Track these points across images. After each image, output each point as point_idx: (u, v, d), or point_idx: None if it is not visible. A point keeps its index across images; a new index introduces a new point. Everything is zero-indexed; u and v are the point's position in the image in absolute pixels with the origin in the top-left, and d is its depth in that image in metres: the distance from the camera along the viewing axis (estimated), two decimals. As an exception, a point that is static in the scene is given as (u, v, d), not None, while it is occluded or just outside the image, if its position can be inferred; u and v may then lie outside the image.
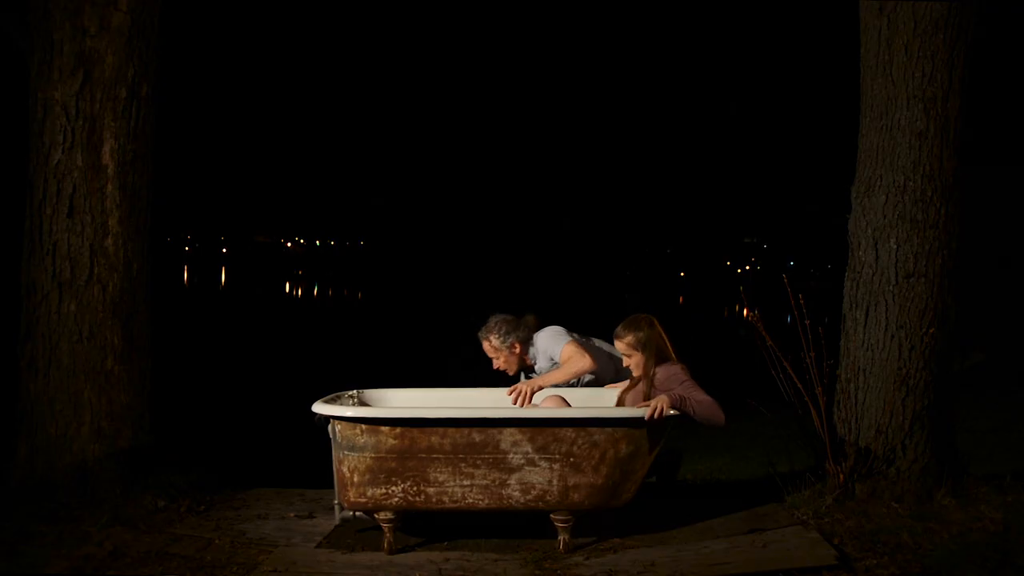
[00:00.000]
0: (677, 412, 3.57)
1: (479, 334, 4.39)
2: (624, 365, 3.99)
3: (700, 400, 3.63)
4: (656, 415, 3.50)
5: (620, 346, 3.92)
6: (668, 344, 3.89)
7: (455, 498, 3.52)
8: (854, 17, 4.35)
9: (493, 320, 4.38)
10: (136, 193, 4.25)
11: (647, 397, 3.74)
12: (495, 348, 4.37)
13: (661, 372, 3.82)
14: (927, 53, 4.05)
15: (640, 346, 3.86)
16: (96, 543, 3.51)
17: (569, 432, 3.50)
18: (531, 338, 4.37)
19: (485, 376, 4.63)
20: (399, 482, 3.50)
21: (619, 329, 3.92)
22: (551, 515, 3.58)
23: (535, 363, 4.42)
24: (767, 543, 3.56)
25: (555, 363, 4.29)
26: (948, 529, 3.63)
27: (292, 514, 4.06)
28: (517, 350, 4.36)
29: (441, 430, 3.47)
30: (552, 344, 4.31)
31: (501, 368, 4.43)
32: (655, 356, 3.85)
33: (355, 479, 3.51)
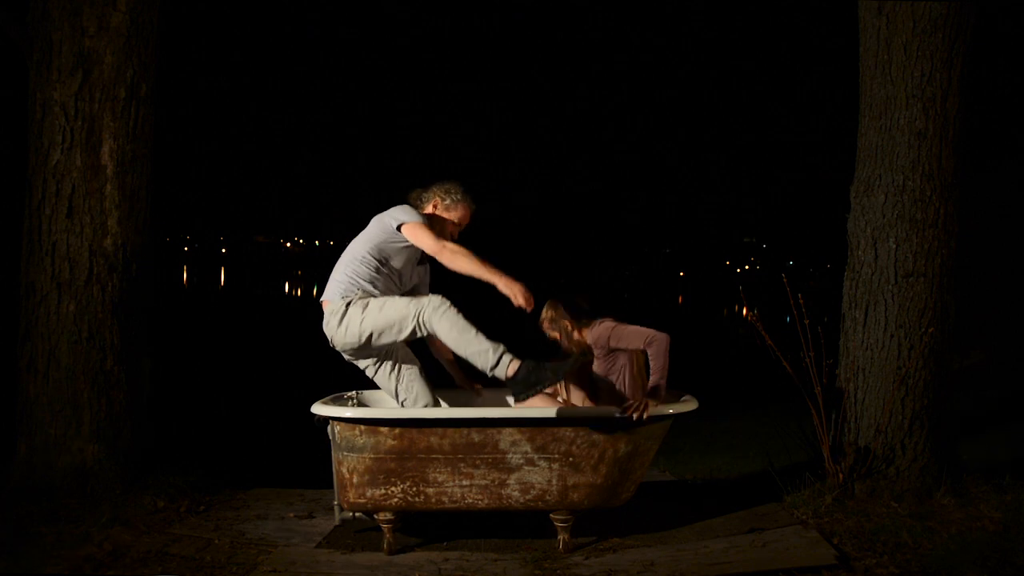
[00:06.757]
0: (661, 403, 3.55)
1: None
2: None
3: (660, 362, 3.62)
4: (642, 415, 3.47)
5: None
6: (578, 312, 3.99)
7: (454, 498, 3.52)
8: (854, 17, 4.35)
9: None
10: (136, 193, 4.25)
11: (590, 372, 3.86)
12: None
13: (590, 335, 3.90)
14: (926, 52, 4.06)
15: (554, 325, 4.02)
16: (96, 543, 3.51)
17: (568, 432, 3.50)
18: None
19: (482, 376, 4.63)
20: (398, 483, 3.50)
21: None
22: (551, 515, 3.58)
23: None
24: (767, 543, 3.56)
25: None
26: (948, 529, 3.63)
27: (292, 514, 4.06)
28: None
29: (440, 430, 3.47)
30: None
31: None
32: (571, 330, 3.98)
33: (354, 480, 3.51)
